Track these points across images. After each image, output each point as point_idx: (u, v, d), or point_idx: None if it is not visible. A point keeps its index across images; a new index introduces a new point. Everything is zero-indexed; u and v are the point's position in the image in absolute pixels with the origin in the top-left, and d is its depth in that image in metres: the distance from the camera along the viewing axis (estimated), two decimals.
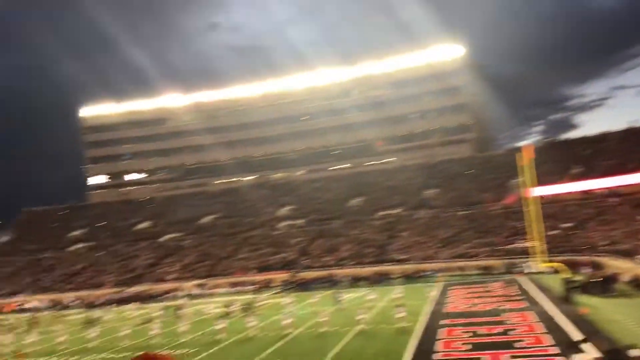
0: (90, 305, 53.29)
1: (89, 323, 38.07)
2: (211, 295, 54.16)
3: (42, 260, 75.87)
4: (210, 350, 26.26)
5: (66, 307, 55.39)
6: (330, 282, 51.99)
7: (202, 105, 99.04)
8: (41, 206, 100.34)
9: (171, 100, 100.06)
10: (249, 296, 45.95)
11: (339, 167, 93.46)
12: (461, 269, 51.33)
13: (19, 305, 58.31)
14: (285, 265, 60.56)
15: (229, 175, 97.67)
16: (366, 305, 33.62)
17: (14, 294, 64.32)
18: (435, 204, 71.80)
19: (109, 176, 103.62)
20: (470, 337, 22.50)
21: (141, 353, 1.23)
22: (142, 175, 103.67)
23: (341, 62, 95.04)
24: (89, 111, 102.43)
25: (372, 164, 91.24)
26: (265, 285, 54.72)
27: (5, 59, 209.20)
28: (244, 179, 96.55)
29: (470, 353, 19.57)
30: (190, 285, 57.30)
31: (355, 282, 51.14)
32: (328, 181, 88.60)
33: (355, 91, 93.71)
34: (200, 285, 57.15)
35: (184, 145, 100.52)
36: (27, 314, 50.39)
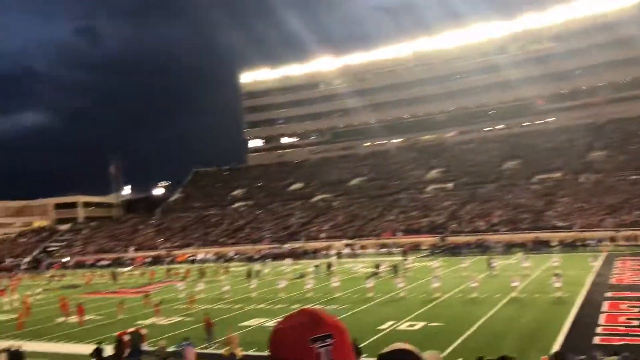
0: (250, 259, 57.63)
1: (249, 275, 41.34)
2: (359, 255, 55.58)
3: (209, 216, 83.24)
4: (361, 308, 27.18)
5: (229, 259, 60.46)
6: (481, 248, 50.57)
7: (351, 68, 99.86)
8: (207, 167, 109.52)
9: (322, 64, 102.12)
10: (397, 258, 46.41)
11: (493, 127, 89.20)
12: (630, 239, 46.89)
13: (190, 256, 64.88)
14: (434, 229, 59.97)
15: (377, 137, 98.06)
16: (520, 272, 32.29)
17: (185, 246, 71.65)
18: (601, 168, 65.83)
19: (265, 139, 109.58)
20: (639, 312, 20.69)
21: (306, 308, 1.26)
22: (295, 139, 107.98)
23: (498, 16, 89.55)
24: (247, 77, 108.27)
25: (531, 125, 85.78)
26: (413, 248, 54.79)
27: (176, 31, 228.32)
28: (392, 141, 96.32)
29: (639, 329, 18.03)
30: (340, 245, 59.32)
31: (509, 248, 49.16)
32: (481, 143, 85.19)
33: (513, 46, 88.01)
34: (349, 245, 58.91)
35: (334, 109, 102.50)
36: (196, 265, 56.01)
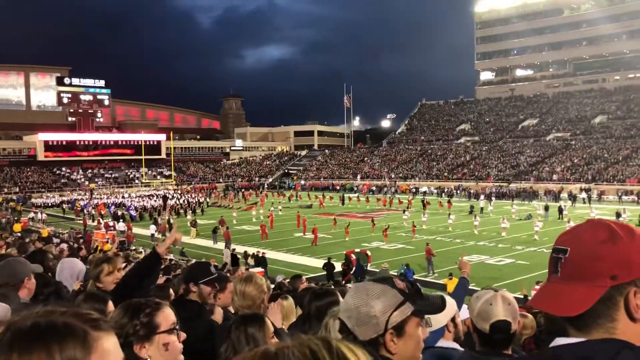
0: (473, 196, 56.57)
1: (472, 212, 40.77)
2: (596, 200, 50.67)
3: (433, 150, 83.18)
4: None
5: (451, 194, 60.14)
6: None
7: None
8: (434, 100, 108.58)
9: None
10: None
11: None
12: None
13: (412, 187, 66.13)
14: None
15: (631, 69, 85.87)
16: None
17: (408, 177, 73.17)
18: None
19: (497, 72, 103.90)
20: None
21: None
22: (531, 71, 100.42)
23: None
24: (482, 6, 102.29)
25: None
26: None
27: None
28: None
29: None
30: (574, 188, 54.64)
31: None
32: None
33: None
34: (585, 189, 53.90)
35: (579, 37, 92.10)
36: (419, 197, 57.02)
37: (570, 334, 1.13)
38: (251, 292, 3.24)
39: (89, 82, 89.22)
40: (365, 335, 1.48)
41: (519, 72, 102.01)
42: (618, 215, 36.00)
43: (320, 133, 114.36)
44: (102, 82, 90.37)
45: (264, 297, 3.30)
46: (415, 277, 20.68)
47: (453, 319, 2.60)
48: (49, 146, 78.55)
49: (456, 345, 2.51)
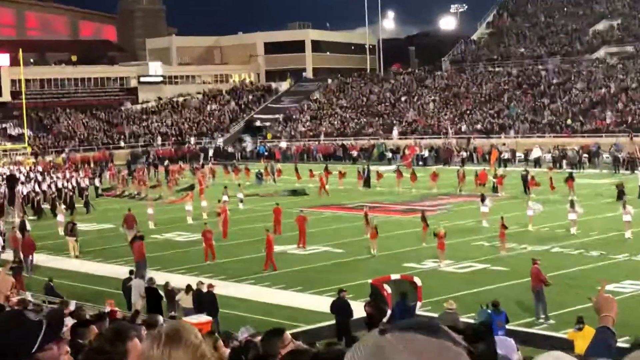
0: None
1: (620, 198, 41.15)
2: None
3: (541, 73, 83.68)
4: None
5: (575, 162, 61.19)
6: None
7: None
8: None
9: None
10: None
11: None
12: None
13: (504, 151, 67.02)
14: None
15: None
16: None
17: (494, 130, 73.76)
18: None
19: None
20: None
21: None
22: None
23: None
24: None
25: None
26: None
27: None
28: None
29: None
30: None
31: None
32: None
33: None
34: None
35: None
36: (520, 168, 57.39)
37: None
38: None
39: None
40: None
41: None
42: None
43: (317, 46, 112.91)
44: None
45: None
46: (509, 325, 20.23)
47: None
48: None
49: None
